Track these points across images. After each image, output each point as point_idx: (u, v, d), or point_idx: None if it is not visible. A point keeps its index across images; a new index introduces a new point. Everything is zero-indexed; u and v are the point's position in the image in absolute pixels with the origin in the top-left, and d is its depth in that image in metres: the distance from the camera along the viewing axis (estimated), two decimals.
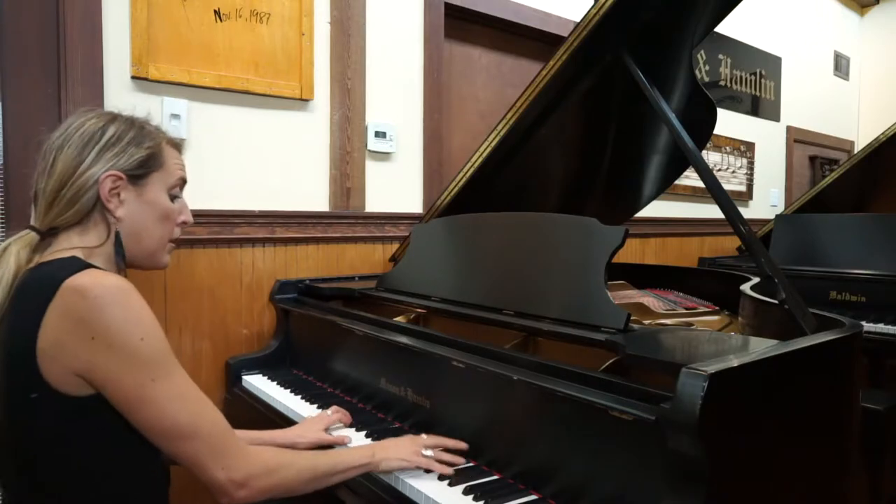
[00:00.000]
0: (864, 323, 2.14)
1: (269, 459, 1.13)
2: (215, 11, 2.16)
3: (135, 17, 2.00)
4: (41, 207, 1.15)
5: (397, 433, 1.47)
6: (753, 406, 0.98)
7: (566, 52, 1.76)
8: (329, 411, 1.59)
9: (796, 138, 5.02)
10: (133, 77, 2.01)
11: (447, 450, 1.32)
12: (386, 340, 1.59)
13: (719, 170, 4.26)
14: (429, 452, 1.30)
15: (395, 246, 2.59)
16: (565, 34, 2.63)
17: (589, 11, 1.70)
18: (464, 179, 2.09)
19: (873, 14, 5.77)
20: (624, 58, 1.74)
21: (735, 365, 0.94)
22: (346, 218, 2.48)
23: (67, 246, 1.13)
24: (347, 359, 1.80)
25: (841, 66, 5.56)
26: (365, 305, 2.00)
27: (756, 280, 1.87)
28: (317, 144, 2.42)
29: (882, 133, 3.38)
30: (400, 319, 1.79)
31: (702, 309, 1.99)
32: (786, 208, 4.10)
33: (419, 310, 1.84)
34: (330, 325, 1.88)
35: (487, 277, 1.64)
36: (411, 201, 2.71)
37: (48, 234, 1.14)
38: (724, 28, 4.24)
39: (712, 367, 0.91)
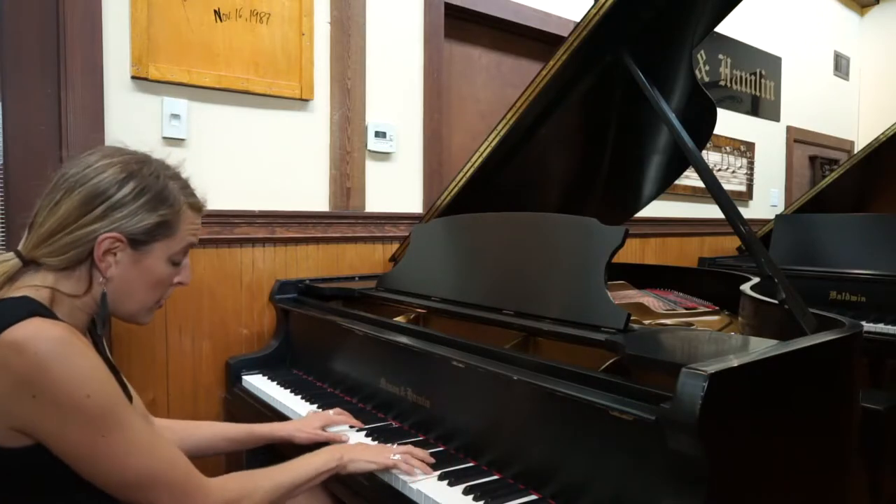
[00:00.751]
0: (864, 323, 2.14)
1: (231, 491, 1.10)
2: (215, 11, 2.16)
3: (135, 17, 2.00)
4: (33, 239, 1.09)
5: (397, 433, 1.47)
6: (753, 406, 0.98)
7: (566, 52, 1.76)
8: (331, 412, 1.60)
9: (796, 138, 5.02)
10: (133, 77, 2.01)
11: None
12: (386, 340, 1.59)
13: (719, 170, 4.26)
14: (397, 456, 1.30)
15: (395, 246, 2.59)
16: (565, 34, 2.63)
17: (589, 11, 1.70)
18: (464, 179, 2.09)
19: (873, 14, 5.77)
20: (624, 58, 1.74)
21: (735, 365, 0.94)
22: (346, 218, 2.47)
23: (41, 283, 1.07)
24: (347, 359, 1.80)
25: (841, 66, 5.56)
26: (365, 305, 2.01)
27: (756, 280, 1.87)
28: (317, 144, 2.42)
29: (882, 133, 3.38)
30: (400, 319, 1.79)
31: (702, 309, 1.99)
32: (786, 208, 4.10)
33: (419, 310, 1.84)
34: (330, 325, 1.88)
35: (487, 277, 1.64)
36: (411, 201, 2.71)
37: (30, 264, 1.09)
38: (724, 28, 4.24)
39: (712, 367, 0.91)
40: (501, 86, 3.18)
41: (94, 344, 1.14)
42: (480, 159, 2.04)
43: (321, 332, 1.96)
